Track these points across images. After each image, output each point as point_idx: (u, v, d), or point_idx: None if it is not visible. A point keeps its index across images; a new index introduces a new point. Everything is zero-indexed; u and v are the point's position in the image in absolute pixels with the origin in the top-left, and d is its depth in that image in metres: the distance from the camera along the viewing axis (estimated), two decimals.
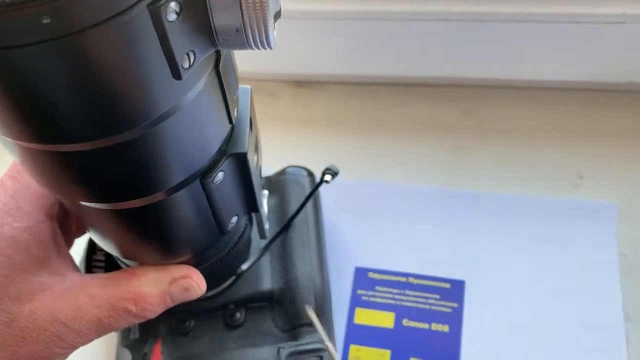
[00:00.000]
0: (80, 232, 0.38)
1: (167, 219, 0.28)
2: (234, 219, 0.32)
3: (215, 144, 0.27)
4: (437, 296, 0.49)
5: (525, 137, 0.57)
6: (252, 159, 0.30)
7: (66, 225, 0.36)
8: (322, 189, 0.52)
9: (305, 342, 0.40)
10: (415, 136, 0.58)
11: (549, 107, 0.58)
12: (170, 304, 0.34)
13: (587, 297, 0.48)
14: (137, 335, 0.42)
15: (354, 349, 0.48)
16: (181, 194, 0.27)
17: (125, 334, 0.43)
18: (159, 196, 0.26)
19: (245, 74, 0.63)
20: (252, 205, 0.33)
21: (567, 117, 0.57)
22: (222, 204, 0.30)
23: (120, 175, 0.24)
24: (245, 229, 0.37)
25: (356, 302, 0.50)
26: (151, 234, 0.29)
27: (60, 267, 0.34)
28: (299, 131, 0.59)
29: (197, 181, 0.27)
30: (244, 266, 0.42)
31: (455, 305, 0.49)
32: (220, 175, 0.28)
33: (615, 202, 0.52)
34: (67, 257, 0.35)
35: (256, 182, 0.32)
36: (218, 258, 0.35)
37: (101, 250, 0.39)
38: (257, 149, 0.33)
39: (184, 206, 0.28)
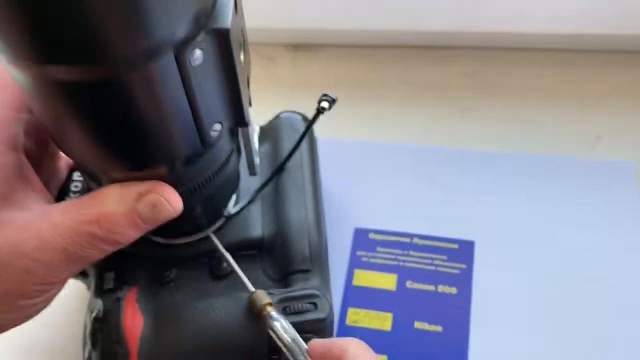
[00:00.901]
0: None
1: (136, 101, 0.24)
2: (217, 127, 0.29)
3: (188, 3, 0.23)
4: (444, 257, 0.45)
5: (534, 97, 0.53)
6: (236, 47, 0.27)
7: (41, 155, 0.33)
8: (323, 148, 0.49)
9: (298, 289, 0.36)
10: (418, 98, 0.55)
11: (558, 68, 0.55)
12: (143, 225, 0.30)
13: (611, 256, 0.44)
14: (111, 285, 0.38)
15: (352, 312, 0.43)
16: (153, 69, 0.23)
17: (98, 284, 0.39)
18: (125, 68, 0.23)
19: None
20: (237, 112, 0.29)
21: (579, 78, 0.54)
22: (201, 97, 0.26)
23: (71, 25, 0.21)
24: (231, 155, 0.33)
25: (355, 263, 0.46)
26: (119, 125, 0.26)
27: (27, 201, 0.30)
28: (296, 94, 0.56)
29: (172, 57, 0.24)
30: (233, 209, 0.39)
31: (464, 266, 0.44)
32: (198, 54, 0.24)
33: (633, 161, 0.48)
34: (37, 190, 0.31)
35: (242, 82, 0.28)
36: (200, 182, 0.32)
37: (79, 179, 0.36)
38: (243, 47, 0.29)
39: (157, 87, 0.24)
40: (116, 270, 0.38)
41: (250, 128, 0.33)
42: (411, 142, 0.52)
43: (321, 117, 0.55)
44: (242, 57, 0.28)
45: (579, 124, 0.51)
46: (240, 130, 0.33)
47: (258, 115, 0.41)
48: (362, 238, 0.47)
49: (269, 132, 0.43)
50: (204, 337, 0.34)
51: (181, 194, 0.31)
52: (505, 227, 0.46)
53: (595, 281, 0.43)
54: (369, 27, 0.56)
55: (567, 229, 0.45)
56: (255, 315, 0.33)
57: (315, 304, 0.35)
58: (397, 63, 0.57)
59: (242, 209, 0.39)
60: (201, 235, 0.38)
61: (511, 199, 0.47)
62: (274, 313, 0.32)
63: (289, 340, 0.31)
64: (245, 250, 0.38)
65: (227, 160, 0.33)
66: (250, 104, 0.33)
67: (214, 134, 0.28)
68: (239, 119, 0.30)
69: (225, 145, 0.32)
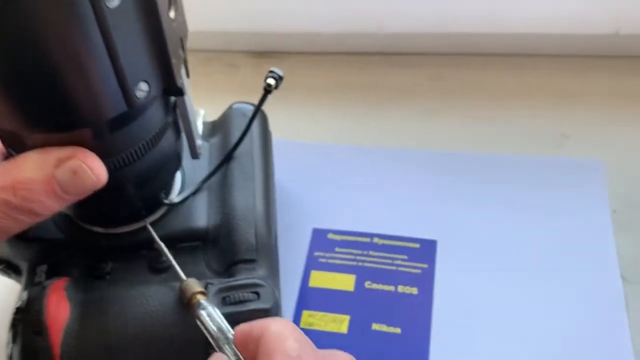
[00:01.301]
0: None
1: (47, 43, 0.23)
2: (143, 86, 0.27)
3: None
4: (405, 257, 0.43)
5: (500, 100, 0.53)
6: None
7: None
8: (283, 150, 0.47)
9: (241, 278, 0.33)
10: (384, 102, 0.54)
11: (523, 71, 0.54)
12: (63, 195, 0.27)
13: (578, 256, 0.42)
14: (42, 278, 0.35)
15: (306, 314, 0.40)
16: (64, 4, 0.22)
17: (29, 278, 0.36)
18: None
19: (207, 46, 0.61)
20: (166, 74, 0.27)
21: (546, 81, 0.53)
22: (121, 46, 0.25)
23: None
24: (165, 129, 0.31)
25: (312, 264, 0.43)
26: (30, 70, 0.24)
27: None
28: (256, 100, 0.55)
29: None
30: (176, 199, 0.36)
31: (426, 266, 0.42)
32: None
33: (601, 159, 0.47)
34: None
35: (171, 41, 0.27)
36: (130, 154, 0.29)
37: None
38: (174, 5, 0.28)
39: (69, 28, 0.23)
40: (49, 262, 0.35)
41: (187, 100, 0.31)
42: (376, 145, 0.51)
43: (286, 120, 0.54)
44: (171, 13, 0.27)
45: (545, 124, 0.50)
46: (177, 103, 0.32)
47: None
48: (320, 239, 0.44)
49: (221, 123, 0.41)
50: (135, 328, 0.31)
51: (109, 166, 0.29)
52: (469, 226, 0.44)
53: (560, 280, 0.41)
54: (332, 31, 0.55)
55: (532, 228, 0.43)
56: (186, 305, 0.30)
57: (258, 294, 0.32)
58: (363, 69, 0.56)
59: (186, 199, 0.37)
60: (141, 224, 0.36)
61: (476, 198, 0.45)
62: (203, 301, 0.29)
63: (215, 329, 0.28)
64: (189, 241, 0.36)
65: (161, 134, 0.31)
66: (188, 75, 0.31)
67: (140, 94, 0.27)
68: (169, 83, 0.28)
69: (156, 114, 0.30)
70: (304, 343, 0.25)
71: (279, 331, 0.25)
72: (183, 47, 0.29)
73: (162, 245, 0.33)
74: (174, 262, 0.32)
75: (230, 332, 0.28)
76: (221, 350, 0.27)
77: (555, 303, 0.40)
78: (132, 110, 0.28)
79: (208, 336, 0.28)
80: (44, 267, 0.35)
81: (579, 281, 0.40)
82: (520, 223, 0.44)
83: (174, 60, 0.27)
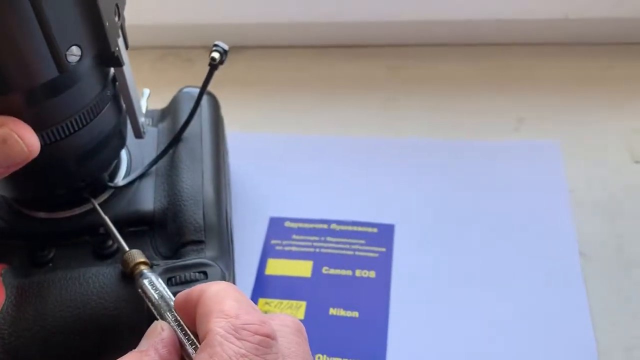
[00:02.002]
0: None
1: None
2: (75, 50, 0.26)
3: None
4: (363, 241, 0.42)
5: (456, 88, 0.53)
6: None
7: None
8: (239, 142, 0.46)
9: (188, 259, 0.32)
10: (342, 93, 0.54)
11: (478, 60, 0.55)
12: None
13: (537, 234, 0.42)
14: None
15: (262, 302, 0.39)
16: None
17: None
18: None
19: (164, 42, 0.60)
20: (100, 40, 0.26)
21: (499, 69, 0.54)
22: (51, 9, 0.23)
23: None
24: (103, 101, 0.30)
25: (269, 252, 0.42)
26: None
27: None
28: (214, 93, 0.54)
29: None
30: (121, 181, 0.35)
31: (384, 249, 0.41)
32: None
33: (557, 141, 0.47)
34: None
35: (104, 5, 0.26)
36: (65, 126, 0.28)
37: None
38: None
39: None
40: None
41: (127, 72, 0.31)
42: (336, 135, 0.50)
43: (244, 113, 0.53)
44: None
45: (502, 109, 0.50)
46: (116, 75, 0.31)
47: None
48: (277, 227, 0.43)
49: (170, 108, 0.40)
50: (72, 309, 0.29)
51: (44, 139, 0.28)
52: (427, 210, 0.43)
53: (519, 263, 0.40)
54: (290, 21, 0.55)
55: (491, 210, 0.43)
56: (128, 276, 0.29)
57: (205, 273, 0.31)
58: (321, 62, 0.56)
59: (132, 182, 0.36)
60: (85, 207, 0.34)
61: (432, 183, 0.45)
62: (145, 271, 0.28)
63: (156, 297, 0.27)
64: (135, 225, 0.34)
65: (99, 107, 0.29)
66: (127, 46, 0.31)
67: (71, 58, 0.26)
68: (103, 50, 0.27)
69: (92, 85, 0.29)
70: (244, 303, 0.24)
71: (217, 292, 0.24)
72: (119, 14, 0.28)
73: (106, 218, 0.32)
74: (116, 233, 0.31)
75: (171, 299, 0.26)
76: (162, 317, 0.26)
77: (515, 280, 0.39)
78: (65, 77, 0.27)
79: (149, 305, 0.27)
80: None
81: (538, 258, 0.40)
82: (479, 205, 0.44)
83: (107, 24, 0.26)
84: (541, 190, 0.44)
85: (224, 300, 0.24)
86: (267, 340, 0.23)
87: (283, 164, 0.48)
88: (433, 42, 0.56)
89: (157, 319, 0.27)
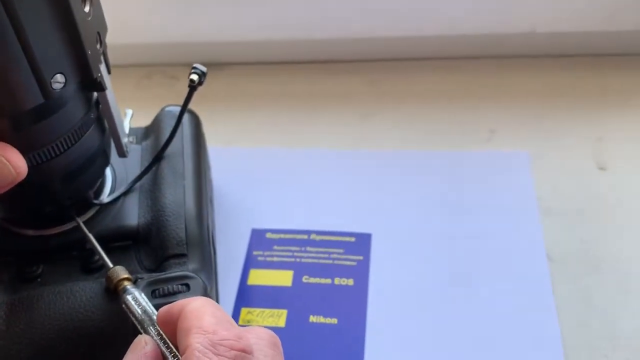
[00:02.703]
0: None
1: None
2: (60, 78, 0.28)
3: None
4: (341, 250, 0.43)
5: (429, 101, 0.55)
6: None
7: None
8: (220, 157, 0.48)
9: (171, 272, 0.34)
10: (320, 107, 0.56)
11: (450, 74, 0.57)
12: None
13: (507, 240, 0.43)
14: None
15: (245, 311, 0.41)
16: None
17: None
18: None
19: (149, 60, 0.62)
20: (82, 67, 0.28)
21: (471, 82, 0.56)
22: (35, 40, 0.25)
23: None
24: (87, 123, 0.31)
25: (251, 263, 0.43)
26: None
27: None
28: (200, 110, 0.56)
29: None
30: (106, 198, 0.37)
31: (361, 258, 0.43)
32: None
33: (526, 151, 0.49)
34: None
35: (86, 33, 0.27)
36: (51, 148, 0.30)
37: None
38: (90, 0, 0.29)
39: None
40: None
41: (109, 96, 0.32)
42: (315, 148, 0.52)
43: (225, 128, 0.55)
44: (86, 8, 0.28)
45: (473, 121, 0.52)
46: (99, 98, 0.32)
47: None
48: (259, 238, 0.45)
49: (153, 126, 0.42)
50: (61, 322, 0.31)
51: (30, 161, 0.29)
52: (402, 220, 0.45)
53: (490, 268, 0.42)
54: (270, 39, 0.57)
55: (463, 218, 0.45)
56: (112, 292, 0.30)
57: (187, 285, 0.33)
58: (299, 77, 0.58)
59: (117, 199, 0.37)
60: (71, 225, 0.36)
61: (408, 193, 0.47)
62: (129, 286, 0.30)
63: (140, 312, 0.28)
64: (120, 240, 0.36)
65: (83, 129, 0.31)
66: (109, 71, 0.32)
67: (56, 85, 0.27)
68: (86, 76, 0.28)
69: (77, 109, 0.30)
70: (221, 319, 0.26)
71: (196, 308, 0.26)
72: (101, 42, 0.30)
73: (91, 236, 0.33)
74: (100, 250, 0.33)
75: (154, 313, 0.28)
76: (146, 331, 0.27)
77: (486, 284, 0.41)
78: (50, 103, 0.28)
79: (133, 319, 0.28)
80: None
81: (508, 263, 0.42)
82: (451, 214, 0.45)
83: (89, 52, 0.28)
84: (511, 197, 0.46)
85: (203, 317, 0.25)
86: (243, 355, 0.24)
87: (264, 177, 0.49)
88: (408, 57, 0.58)
89: (141, 333, 0.28)
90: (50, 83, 0.27)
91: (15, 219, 0.36)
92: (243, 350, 0.25)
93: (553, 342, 0.38)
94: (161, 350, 0.27)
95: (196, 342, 0.24)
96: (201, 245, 0.36)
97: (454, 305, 0.40)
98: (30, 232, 0.35)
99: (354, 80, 0.58)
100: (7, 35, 0.25)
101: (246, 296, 0.41)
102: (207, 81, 0.64)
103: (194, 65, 0.36)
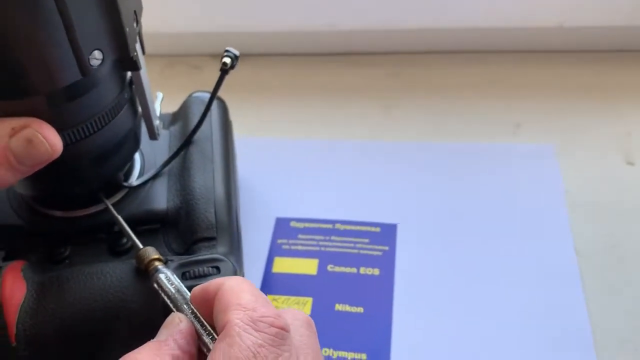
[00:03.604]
0: None
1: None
2: (97, 54, 0.27)
3: None
4: (366, 240, 0.43)
5: (453, 94, 0.55)
6: None
7: None
8: (246, 146, 0.48)
9: (201, 254, 0.34)
10: (343, 99, 0.55)
11: (477, 68, 0.57)
12: (18, 165, 0.27)
13: (534, 233, 0.43)
14: None
15: (270, 298, 0.40)
16: None
17: None
18: None
19: (173, 50, 0.62)
20: (120, 44, 0.28)
21: (497, 75, 0.56)
22: (76, 15, 0.25)
23: None
24: (121, 103, 0.31)
25: (275, 251, 0.43)
26: None
27: None
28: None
29: None
30: (135, 181, 0.37)
31: (387, 248, 0.43)
32: None
33: (553, 145, 0.49)
34: None
35: (125, 10, 0.27)
36: (85, 127, 0.30)
37: None
38: None
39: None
40: (7, 248, 0.35)
41: (143, 75, 0.32)
42: (339, 139, 0.52)
43: (249, 119, 0.55)
44: None
45: (499, 115, 0.52)
46: (133, 80, 0.32)
47: None
48: (283, 227, 0.45)
49: (181, 112, 0.42)
50: (92, 302, 0.31)
51: (64, 139, 0.29)
52: (428, 211, 0.45)
53: (517, 262, 0.42)
54: (294, 30, 0.57)
55: (490, 210, 0.45)
56: (143, 273, 0.30)
57: (218, 268, 0.32)
58: (323, 69, 0.58)
59: (146, 182, 0.37)
60: (100, 207, 0.36)
61: (433, 184, 0.47)
62: (160, 266, 0.30)
63: (173, 291, 0.28)
64: (148, 224, 0.36)
65: (117, 109, 0.31)
66: (143, 51, 0.32)
67: (94, 62, 0.27)
68: (123, 54, 0.28)
69: (111, 88, 0.30)
70: (259, 297, 0.26)
71: (234, 286, 0.26)
72: (137, 20, 0.30)
73: (120, 218, 0.33)
74: (129, 231, 0.33)
75: (187, 292, 0.28)
76: (179, 310, 0.27)
77: (513, 278, 0.41)
78: (87, 80, 0.28)
79: (165, 298, 0.28)
80: (1, 254, 0.35)
81: (536, 256, 0.42)
82: (478, 206, 0.45)
83: (127, 30, 0.28)
84: (538, 191, 0.46)
85: (241, 294, 0.25)
86: (282, 333, 0.25)
87: (288, 167, 0.49)
88: (433, 49, 0.57)
89: (172, 312, 0.28)
90: (88, 59, 0.27)
91: (44, 200, 0.36)
92: (282, 328, 0.25)
93: (583, 336, 0.37)
94: (195, 327, 0.27)
95: (236, 317, 0.24)
96: (230, 229, 0.36)
97: (481, 298, 0.40)
98: (58, 213, 0.35)
99: (377, 72, 0.57)
100: (48, 10, 0.25)
101: (271, 284, 0.41)
102: (230, 71, 0.64)
103: (227, 48, 0.36)
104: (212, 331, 0.26)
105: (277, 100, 0.57)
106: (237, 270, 0.33)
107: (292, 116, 0.55)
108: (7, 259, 0.34)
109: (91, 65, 0.27)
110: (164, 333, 0.27)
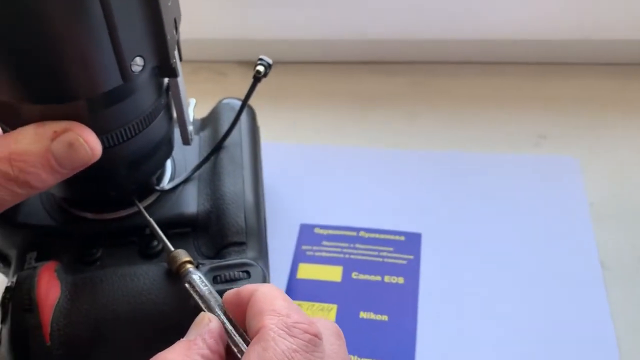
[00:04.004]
0: None
1: (47, 12, 0.24)
2: (139, 61, 0.28)
3: None
4: (391, 249, 0.43)
5: (477, 104, 0.55)
6: None
7: None
8: (271, 152, 0.48)
9: (232, 259, 0.34)
10: (366, 107, 0.56)
11: (501, 78, 0.57)
12: (59, 168, 0.28)
13: (559, 245, 0.43)
14: (32, 265, 0.36)
15: None
16: None
17: (18, 265, 0.36)
18: None
19: (198, 57, 0.63)
20: (161, 51, 0.29)
21: (521, 87, 0.56)
22: (121, 21, 0.26)
23: None
24: (158, 109, 0.32)
25: (300, 257, 0.44)
26: (29, 36, 0.25)
27: None
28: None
29: None
30: (167, 185, 0.37)
31: (411, 257, 0.43)
32: None
33: (577, 157, 0.49)
34: None
35: (167, 17, 0.28)
36: (123, 131, 0.30)
37: None
38: None
39: (71, 2, 0.24)
40: (39, 249, 0.36)
41: (180, 82, 0.33)
42: (364, 147, 0.52)
43: (274, 126, 0.55)
44: None
45: (522, 126, 0.52)
46: (169, 86, 0.33)
47: None
48: (307, 233, 0.45)
49: (210, 117, 0.42)
50: (125, 304, 0.31)
51: (102, 143, 0.30)
52: (452, 221, 0.45)
53: (542, 269, 0.42)
54: (319, 38, 0.58)
55: (513, 220, 0.45)
56: (175, 274, 0.31)
57: (248, 272, 0.33)
58: (347, 77, 0.59)
59: (177, 186, 0.37)
60: (132, 210, 0.36)
61: (457, 194, 0.47)
62: (191, 269, 0.30)
63: (206, 292, 0.29)
64: (179, 227, 0.36)
65: (154, 115, 0.32)
66: (180, 57, 0.33)
67: (135, 67, 0.28)
68: (163, 60, 0.29)
69: (150, 93, 0.31)
70: (291, 304, 0.26)
71: (268, 292, 0.26)
72: (176, 28, 0.30)
73: (152, 221, 0.34)
74: (161, 234, 0.33)
75: (218, 295, 0.28)
76: (211, 311, 0.28)
77: (538, 289, 0.41)
78: (127, 86, 0.29)
79: (198, 299, 0.29)
80: (33, 254, 0.35)
81: (560, 269, 0.42)
82: (501, 217, 0.45)
83: (168, 38, 0.28)
84: (562, 202, 0.46)
85: (275, 301, 0.26)
86: (315, 340, 0.25)
87: (313, 174, 0.50)
88: (457, 60, 0.58)
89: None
90: (130, 65, 0.28)
91: (76, 202, 0.36)
92: (315, 335, 0.25)
93: (609, 349, 0.37)
94: (226, 328, 0.27)
95: (271, 322, 0.25)
96: (259, 234, 0.36)
97: (505, 309, 0.40)
98: (90, 215, 0.36)
99: (402, 81, 0.58)
100: (95, 15, 0.25)
101: (296, 290, 0.42)
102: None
103: (261, 57, 0.37)
104: (243, 333, 0.27)
105: (302, 107, 0.57)
106: (266, 275, 0.34)
107: (316, 123, 0.55)
108: (39, 259, 0.35)
109: (132, 72, 0.28)
110: (193, 332, 0.27)
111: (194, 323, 0.28)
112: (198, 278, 0.29)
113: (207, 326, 0.27)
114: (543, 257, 0.43)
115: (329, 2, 0.56)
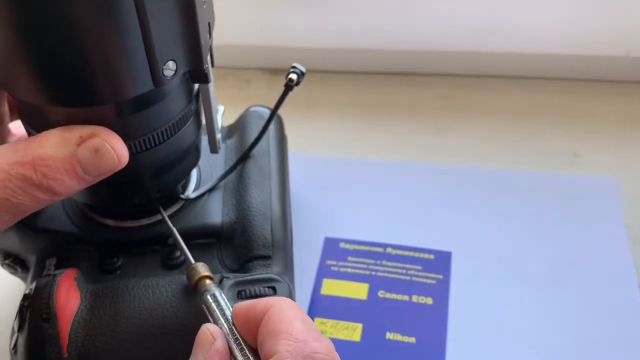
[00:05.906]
0: None
1: (79, 14, 0.23)
2: (171, 65, 0.27)
3: None
4: (419, 267, 0.42)
5: (509, 120, 0.53)
6: None
7: None
8: (298, 162, 0.47)
9: (257, 273, 0.33)
10: (396, 119, 0.54)
11: (536, 94, 0.55)
12: (83, 174, 0.27)
13: (594, 268, 0.41)
14: (51, 271, 0.34)
15: (318, 322, 0.39)
16: None
17: (37, 272, 0.35)
18: None
19: (224, 63, 0.62)
20: (194, 55, 0.27)
21: (557, 103, 0.54)
22: (155, 23, 0.25)
23: None
24: (187, 116, 0.31)
25: (324, 272, 0.42)
26: (59, 38, 0.24)
27: None
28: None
29: None
30: (192, 194, 0.36)
31: (440, 276, 0.41)
32: None
33: (614, 177, 0.47)
34: None
35: (201, 21, 0.27)
36: (151, 137, 0.29)
37: None
38: None
39: (104, 4, 0.23)
40: (59, 256, 0.34)
41: (211, 89, 0.32)
42: (392, 160, 0.51)
43: (300, 135, 0.54)
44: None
45: (557, 144, 0.50)
46: (200, 92, 0.32)
47: None
48: (332, 247, 0.44)
49: (237, 125, 0.41)
50: (145, 316, 0.30)
51: (129, 149, 0.29)
52: (484, 239, 0.43)
53: (576, 292, 0.40)
54: (346, 47, 0.56)
55: (547, 241, 0.43)
56: (192, 289, 0.29)
57: (274, 289, 0.31)
58: (374, 88, 0.57)
59: (202, 195, 0.36)
60: (154, 218, 0.35)
61: (490, 211, 0.45)
62: (210, 285, 0.29)
63: (217, 312, 0.27)
64: (203, 238, 0.35)
65: (183, 121, 0.30)
66: (212, 63, 0.32)
67: (167, 72, 0.26)
68: (195, 66, 0.28)
69: (180, 100, 0.30)
70: (310, 327, 0.24)
71: (284, 310, 0.24)
72: (210, 33, 0.29)
73: (175, 231, 0.32)
74: (183, 245, 0.32)
75: (229, 308, 0.27)
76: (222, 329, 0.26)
77: (572, 314, 0.39)
78: (158, 90, 0.28)
79: (210, 318, 0.27)
80: (53, 260, 0.34)
81: (596, 292, 0.40)
82: (535, 236, 0.43)
83: (202, 42, 0.27)
84: (598, 224, 0.44)
85: (293, 322, 0.24)
86: None
87: (339, 186, 0.48)
88: (488, 74, 0.56)
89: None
90: (162, 70, 0.26)
91: (99, 208, 0.35)
92: None
93: None
94: (230, 348, 0.25)
95: (286, 349, 0.22)
96: (285, 248, 0.35)
97: (538, 332, 0.38)
98: (111, 223, 0.35)
99: (430, 93, 0.56)
100: (128, 16, 0.24)
101: (320, 306, 0.40)
102: (280, 86, 0.63)
103: (294, 64, 0.35)
104: (250, 357, 0.25)
105: (329, 117, 0.56)
106: (292, 292, 0.33)
107: (343, 133, 0.54)
108: (58, 266, 0.34)
109: (164, 76, 0.27)
110: (199, 354, 0.25)
111: (197, 341, 0.26)
112: (211, 296, 0.28)
113: (214, 346, 0.25)
114: (578, 281, 0.41)
115: (356, 11, 0.55)
